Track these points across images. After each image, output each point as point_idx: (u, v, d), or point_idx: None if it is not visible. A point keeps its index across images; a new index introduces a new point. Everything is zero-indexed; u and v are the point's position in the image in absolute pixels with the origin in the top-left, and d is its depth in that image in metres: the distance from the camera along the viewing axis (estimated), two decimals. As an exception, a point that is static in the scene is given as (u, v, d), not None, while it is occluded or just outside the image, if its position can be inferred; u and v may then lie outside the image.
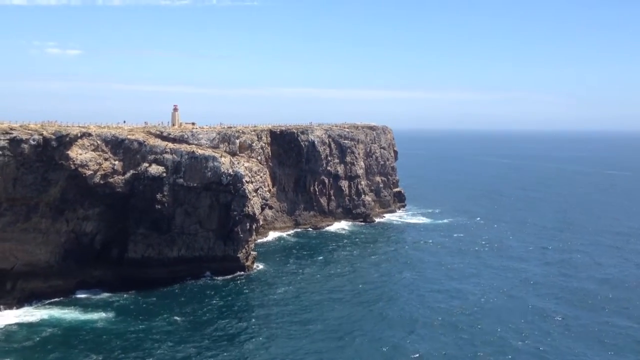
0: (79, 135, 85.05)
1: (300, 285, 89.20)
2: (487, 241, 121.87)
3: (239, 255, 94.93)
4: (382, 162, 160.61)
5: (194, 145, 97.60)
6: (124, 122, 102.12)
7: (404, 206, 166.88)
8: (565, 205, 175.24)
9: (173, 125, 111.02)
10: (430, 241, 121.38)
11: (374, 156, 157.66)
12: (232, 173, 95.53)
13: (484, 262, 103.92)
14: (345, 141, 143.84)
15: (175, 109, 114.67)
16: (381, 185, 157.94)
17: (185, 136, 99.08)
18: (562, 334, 70.35)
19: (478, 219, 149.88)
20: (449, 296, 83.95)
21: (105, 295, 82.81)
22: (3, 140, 76.23)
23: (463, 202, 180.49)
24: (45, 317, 73.19)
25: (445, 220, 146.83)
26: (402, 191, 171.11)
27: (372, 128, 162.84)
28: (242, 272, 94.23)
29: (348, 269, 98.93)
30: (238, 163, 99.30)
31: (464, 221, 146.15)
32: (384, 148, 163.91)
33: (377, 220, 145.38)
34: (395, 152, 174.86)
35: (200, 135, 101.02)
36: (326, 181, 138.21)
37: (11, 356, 61.29)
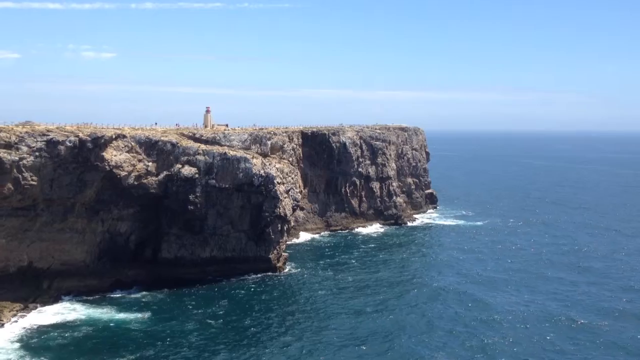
0: (114, 137, 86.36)
1: (333, 287, 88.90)
2: (522, 246, 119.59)
3: (270, 256, 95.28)
4: (413, 164, 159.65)
5: (226, 147, 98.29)
6: (156, 124, 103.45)
7: (436, 208, 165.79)
8: (606, 209, 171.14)
9: (205, 126, 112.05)
10: (465, 246, 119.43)
11: (405, 157, 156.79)
12: (263, 174, 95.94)
13: (520, 268, 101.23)
14: (377, 142, 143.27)
15: (207, 111, 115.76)
16: (413, 187, 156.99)
17: (218, 138, 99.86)
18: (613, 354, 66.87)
19: (511, 220, 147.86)
20: (484, 304, 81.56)
21: (139, 294, 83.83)
22: (40, 142, 77.79)
23: (496, 204, 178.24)
24: (82, 316, 74.28)
25: (478, 223, 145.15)
26: (434, 193, 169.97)
27: (403, 129, 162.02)
28: (274, 273, 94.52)
29: (381, 272, 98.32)
30: (269, 164, 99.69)
31: (498, 223, 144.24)
32: (415, 149, 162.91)
33: (409, 221, 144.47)
34: (427, 154, 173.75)
35: (232, 137, 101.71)
36: (357, 182, 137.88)
37: (46, 355, 62.32)
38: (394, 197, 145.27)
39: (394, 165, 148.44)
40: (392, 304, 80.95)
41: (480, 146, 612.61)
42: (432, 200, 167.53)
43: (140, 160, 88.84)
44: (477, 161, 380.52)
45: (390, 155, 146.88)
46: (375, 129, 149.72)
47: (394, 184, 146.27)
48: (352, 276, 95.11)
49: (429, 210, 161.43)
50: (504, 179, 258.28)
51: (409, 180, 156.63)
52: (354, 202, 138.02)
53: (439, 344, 66.71)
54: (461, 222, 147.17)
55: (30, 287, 78.10)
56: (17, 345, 64.69)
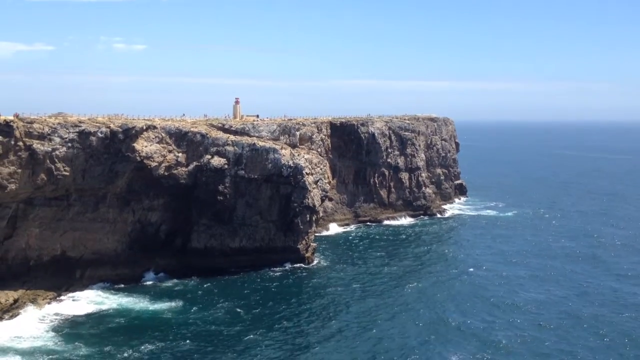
0: (144, 128, 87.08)
1: (362, 279, 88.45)
2: (554, 238, 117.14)
3: (299, 246, 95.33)
4: (443, 154, 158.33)
5: (254, 138, 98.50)
6: (184, 115, 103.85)
7: (465, 198, 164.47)
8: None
9: (234, 117, 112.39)
10: (497, 238, 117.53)
11: (434, 148, 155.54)
12: (292, 165, 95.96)
13: (552, 262, 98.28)
14: (406, 133, 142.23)
15: (236, 102, 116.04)
16: (442, 177, 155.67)
17: (247, 128, 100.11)
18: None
19: (542, 211, 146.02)
20: (519, 299, 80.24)
21: (170, 283, 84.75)
22: (72, 132, 78.79)
23: (527, 194, 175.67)
24: (114, 305, 75.21)
25: (509, 213, 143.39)
26: (464, 183, 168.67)
27: (433, 119, 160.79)
28: (302, 264, 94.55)
29: (413, 264, 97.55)
30: (298, 155, 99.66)
31: (529, 214, 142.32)
32: (445, 140, 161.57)
33: (438, 212, 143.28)
34: (457, 144, 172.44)
35: (261, 128, 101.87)
36: (386, 173, 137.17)
37: (80, 342, 63.21)
38: (423, 188, 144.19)
39: (423, 155, 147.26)
40: (426, 296, 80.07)
41: (511, 136, 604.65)
42: (461, 191, 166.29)
43: (170, 151, 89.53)
44: (508, 152, 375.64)
45: (419, 145, 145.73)
46: (404, 119, 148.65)
47: (423, 174, 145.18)
48: (384, 268, 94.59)
49: (458, 201, 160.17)
50: (535, 170, 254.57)
51: (438, 170, 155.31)
52: (383, 193, 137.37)
53: (472, 337, 66.08)
54: (491, 212, 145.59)
55: (63, 276, 79.37)
56: (51, 333, 65.73)
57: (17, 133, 73.29)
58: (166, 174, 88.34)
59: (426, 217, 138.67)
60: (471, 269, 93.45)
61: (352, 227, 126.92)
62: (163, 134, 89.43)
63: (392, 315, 72.55)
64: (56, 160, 76.58)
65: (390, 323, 69.81)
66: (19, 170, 73.13)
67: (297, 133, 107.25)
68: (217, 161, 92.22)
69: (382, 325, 69.10)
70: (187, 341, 63.83)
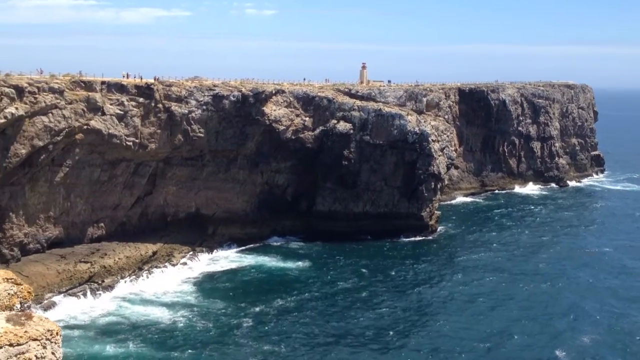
0: (274, 92, 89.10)
1: (490, 250, 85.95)
2: None
3: (422, 213, 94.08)
4: (579, 123, 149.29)
5: (380, 103, 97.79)
6: (304, 79, 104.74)
7: (602, 171, 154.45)
8: None
9: (361, 82, 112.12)
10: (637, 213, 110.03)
11: (570, 117, 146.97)
12: (418, 131, 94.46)
13: None
14: (539, 100, 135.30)
15: (363, 67, 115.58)
16: (577, 148, 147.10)
17: (373, 94, 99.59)
18: None
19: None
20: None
21: (296, 244, 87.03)
22: (207, 96, 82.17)
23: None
24: (246, 262, 78.38)
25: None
26: (601, 155, 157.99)
27: (569, 87, 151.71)
28: (426, 231, 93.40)
29: (545, 235, 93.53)
30: (424, 121, 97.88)
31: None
32: (582, 108, 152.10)
33: (572, 184, 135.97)
34: (595, 113, 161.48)
35: (387, 93, 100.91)
36: (516, 142, 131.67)
37: (216, 297, 66.44)
38: (556, 158, 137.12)
39: (557, 124, 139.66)
40: (557, 268, 76.99)
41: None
42: (598, 163, 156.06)
43: (297, 115, 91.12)
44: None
45: (553, 114, 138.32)
46: (539, 86, 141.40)
47: (556, 144, 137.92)
48: (514, 239, 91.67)
49: (594, 174, 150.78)
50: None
51: (574, 140, 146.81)
52: (512, 162, 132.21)
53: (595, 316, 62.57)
54: (633, 186, 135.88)
55: (196, 232, 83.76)
56: (190, 288, 69.25)
57: (157, 95, 77.48)
58: (293, 137, 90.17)
59: (557, 188, 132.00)
60: (607, 249, 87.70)
61: (479, 197, 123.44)
62: (291, 99, 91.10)
63: (520, 287, 70.23)
64: (192, 122, 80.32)
65: (520, 291, 67.89)
66: (159, 131, 77.51)
67: (424, 99, 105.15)
68: (342, 126, 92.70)
69: (510, 293, 67.16)
70: (316, 299, 65.52)
